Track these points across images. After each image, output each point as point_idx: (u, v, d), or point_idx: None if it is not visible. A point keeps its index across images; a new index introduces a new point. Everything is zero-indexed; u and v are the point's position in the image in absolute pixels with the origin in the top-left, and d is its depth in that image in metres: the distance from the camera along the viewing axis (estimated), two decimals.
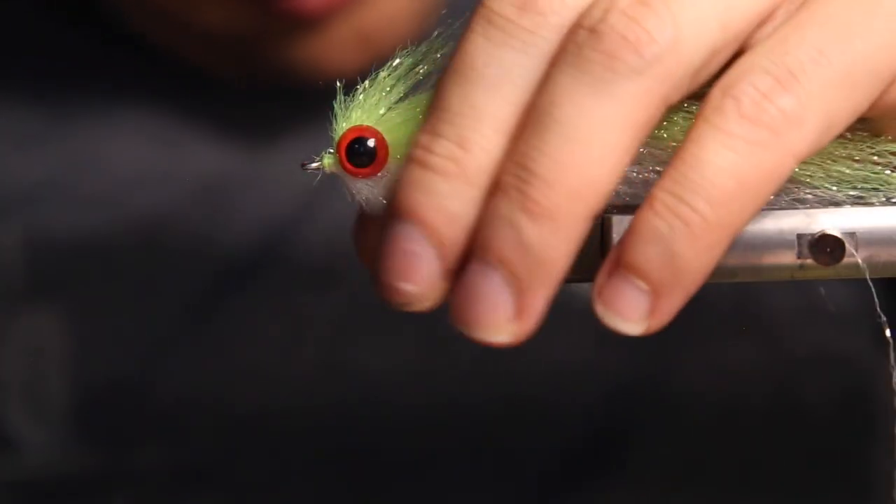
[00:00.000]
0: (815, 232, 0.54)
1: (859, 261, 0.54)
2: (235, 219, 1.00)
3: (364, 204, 0.55)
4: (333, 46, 0.94)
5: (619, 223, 0.54)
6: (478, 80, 0.51)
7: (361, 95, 0.55)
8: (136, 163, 1.01)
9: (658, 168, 0.55)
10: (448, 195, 0.51)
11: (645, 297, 0.51)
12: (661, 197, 0.51)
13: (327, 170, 0.56)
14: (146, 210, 1.00)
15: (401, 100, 0.55)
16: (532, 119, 0.51)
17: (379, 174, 0.55)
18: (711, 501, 1.02)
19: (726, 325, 1.01)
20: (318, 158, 0.56)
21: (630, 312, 0.51)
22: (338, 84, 0.55)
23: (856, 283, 0.54)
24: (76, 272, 0.99)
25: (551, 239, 0.50)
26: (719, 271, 0.54)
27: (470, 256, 0.51)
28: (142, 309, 0.99)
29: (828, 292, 0.99)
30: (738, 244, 0.54)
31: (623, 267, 0.51)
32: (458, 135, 0.51)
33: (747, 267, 0.54)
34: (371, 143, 0.55)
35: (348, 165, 0.55)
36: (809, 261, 0.54)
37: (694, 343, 1.01)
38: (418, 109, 0.55)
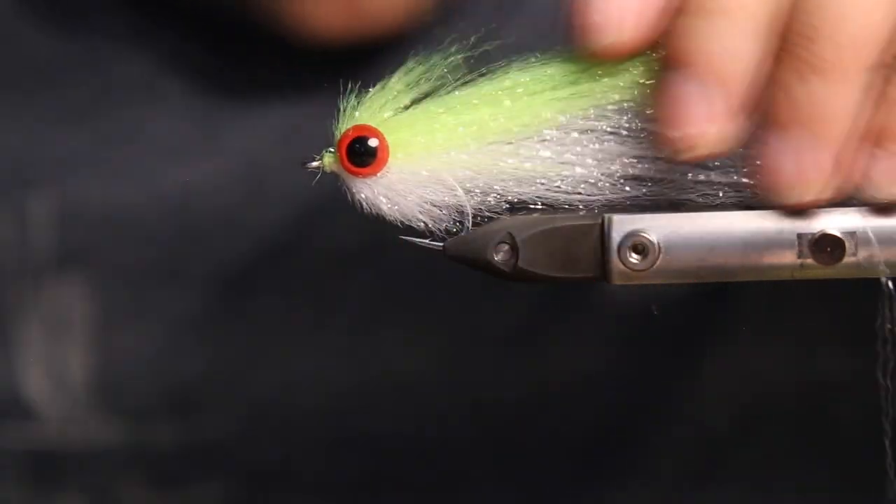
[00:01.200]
0: (815, 231, 0.54)
1: (859, 260, 0.54)
2: (269, 198, 1.00)
3: (364, 204, 0.55)
4: (320, 5, 0.94)
5: (620, 223, 0.54)
6: None
7: (367, 96, 0.55)
8: (174, 138, 1.01)
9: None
10: (717, 36, 0.53)
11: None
12: None
13: (327, 169, 0.55)
14: (181, 186, 1.00)
15: (409, 105, 0.55)
16: None
17: (379, 174, 0.55)
18: None
19: (754, 333, 1.01)
20: (318, 157, 0.55)
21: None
22: (342, 85, 0.55)
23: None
24: (106, 245, 0.99)
25: (836, 91, 0.52)
26: (719, 270, 0.54)
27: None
28: (169, 285, 1.00)
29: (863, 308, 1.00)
30: (738, 244, 0.54)
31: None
32: None
33: (748, 266, 0.54)
34: (372, 142, 0.54)
35: (348, 165, 0.54)
36: (810, 260, 0.54)
37: (720, 350, 1.00)
38: (425, 115, 0.55)
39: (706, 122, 0.53)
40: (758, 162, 0.54)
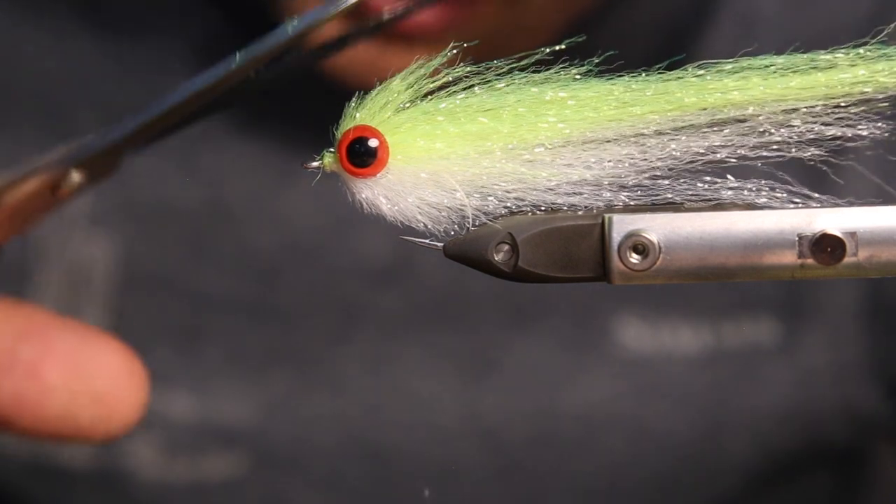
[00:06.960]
0: (815, 232, 0.54)
1: (860, 260, 0.54)
2: (303, 202, 1.00)
3: (364, 204, 0.55)
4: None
5: (620, 223, 0.54)
6: None
7: (369, 97, 0.55)
8: (210, 125, 1.01)
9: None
10: None
11: None
12: None
13: (327, 169, 0.55)
14: (215, 169, 1.00)
15: (410, 107, 0.55)
16: None
17: (379, 174, 0.54)
18: None
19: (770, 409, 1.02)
20: (318, 157, 0.55)
21: None
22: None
23: None
24: (138, 213, 1.00)
25: None
26: (720, 270, 0.54)
27: None
28: (195, 262, 1.00)
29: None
30: (739, 244, 0.54)
31: None
32: None
33: (748, 266, 0.54)
34: (372, 143, 0.54)
35: (348, 165, 0.54)
36: (810, 261, 0.54)
37: (739, 404, 1.01)
38: (426, 117, 0.54)
39: None
40: None
